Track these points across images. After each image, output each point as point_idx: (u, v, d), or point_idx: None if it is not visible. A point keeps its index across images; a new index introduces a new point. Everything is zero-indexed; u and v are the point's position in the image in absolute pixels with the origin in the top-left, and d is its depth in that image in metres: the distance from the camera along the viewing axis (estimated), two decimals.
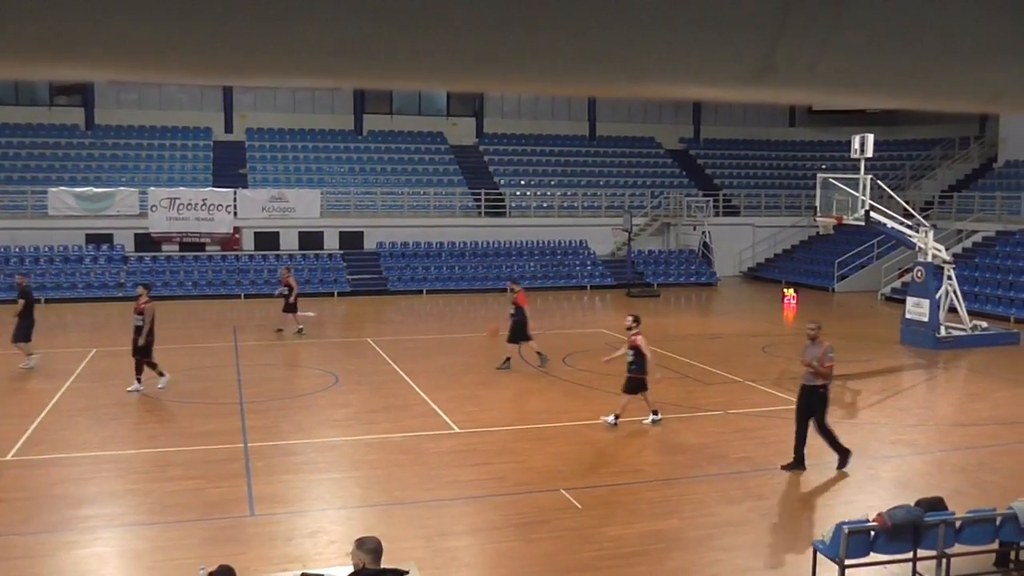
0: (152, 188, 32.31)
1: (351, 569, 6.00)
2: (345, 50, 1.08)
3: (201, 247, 32.39)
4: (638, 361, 13.65)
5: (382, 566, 5.88)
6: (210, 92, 38.47)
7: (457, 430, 14.03)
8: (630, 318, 14.08)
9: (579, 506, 10.65)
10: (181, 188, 32.78)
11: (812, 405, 11.92)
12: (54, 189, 31.63)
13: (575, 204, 37.06)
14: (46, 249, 30.86)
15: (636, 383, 13.75)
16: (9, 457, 12.64)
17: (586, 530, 10.02)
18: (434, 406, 15.46)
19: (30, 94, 37.66)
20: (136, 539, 9.95)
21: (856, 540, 8.05)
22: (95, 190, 32.02)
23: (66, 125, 37.04)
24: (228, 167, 36.15)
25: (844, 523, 8.11)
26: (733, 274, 37.07)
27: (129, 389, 16.26)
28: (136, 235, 31.97)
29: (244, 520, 10.36)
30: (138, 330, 16.17)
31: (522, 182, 38.40)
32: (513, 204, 36.92)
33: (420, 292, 31.84)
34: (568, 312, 29.13)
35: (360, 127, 40.12)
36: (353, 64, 1.15)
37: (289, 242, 33.26)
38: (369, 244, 34.09)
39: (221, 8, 1.04)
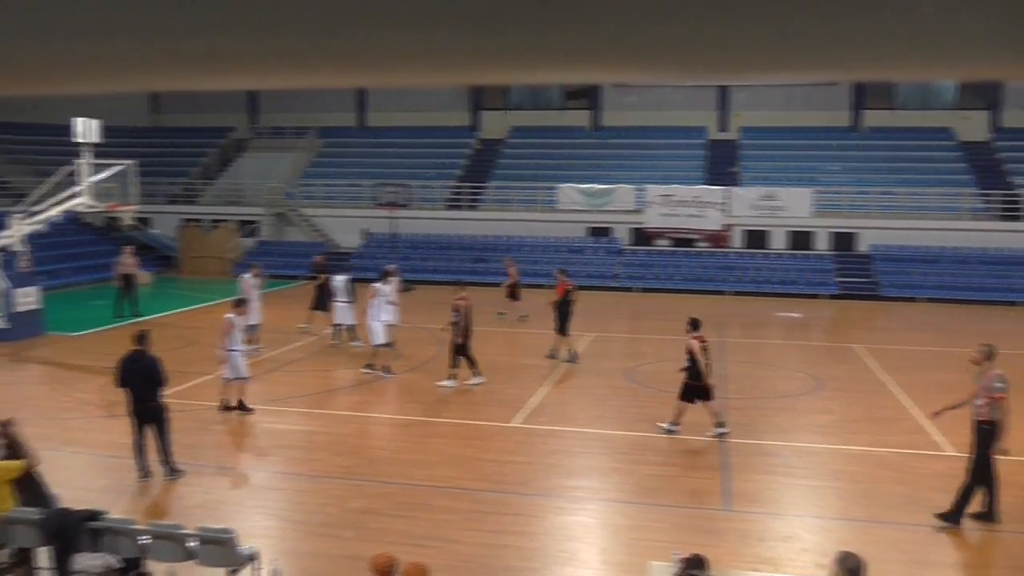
0: (648, 185, 34.02)
1: None
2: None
3: (691, 243, 33.41)
4: None
5: None
6: (705, 92, 39.40)
7: (951, 452, 12.84)
8: None
9: None
10: (675, 185, 34.07)
11: None
12: (563, 185, 34.80)
13: None
14: (553, 239, 34.09)
15: None
16: (514, 424, 14.22)
17: None
18: (925, 424, 14.32)
19: (546, 99, 41.76)
20: (615, 515, 10.59)
21: None
22: (597, 187, 34.59)
23: (574, 127, 40.50)
24: (720, 165, 36.78)
25: None
26: None
27: (469, 383, 16.58)
28: (632, 229, 33.98)
29: (718, 513, 10.51)
30: (455, 325, 16.43)
31: None
32: None
33: (914, 299, 29.64)
34: None
35: (857, 123, 38.37)
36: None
37: (778, 241, 32.95)
38: (861, 246, 32.52)
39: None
